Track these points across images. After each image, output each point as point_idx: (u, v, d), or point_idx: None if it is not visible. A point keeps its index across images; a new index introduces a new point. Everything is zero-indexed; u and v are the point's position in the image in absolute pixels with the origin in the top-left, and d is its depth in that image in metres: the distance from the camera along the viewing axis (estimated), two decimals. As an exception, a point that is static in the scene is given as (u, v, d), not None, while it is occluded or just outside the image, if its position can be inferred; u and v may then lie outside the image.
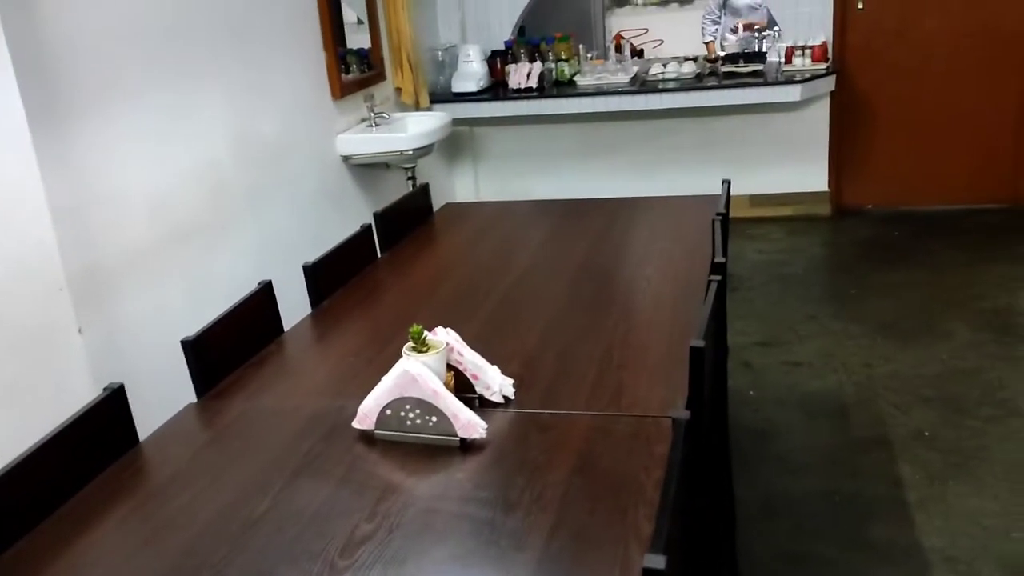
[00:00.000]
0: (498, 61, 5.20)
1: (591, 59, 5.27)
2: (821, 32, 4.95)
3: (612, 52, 5.28)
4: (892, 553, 2.47)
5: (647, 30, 8.28)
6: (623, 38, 8.18)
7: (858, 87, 5.12)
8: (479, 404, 1.64)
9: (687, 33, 7.72)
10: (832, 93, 5.00)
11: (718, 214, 2.40)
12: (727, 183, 2.68)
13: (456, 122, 5.02)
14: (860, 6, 5.02)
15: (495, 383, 1.67)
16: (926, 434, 2.98)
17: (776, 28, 5.14)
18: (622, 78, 4.97)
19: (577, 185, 5.51)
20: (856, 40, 5.06)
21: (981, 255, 4.47)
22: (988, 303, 3.91)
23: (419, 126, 4.27)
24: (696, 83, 4.86)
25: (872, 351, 3.60)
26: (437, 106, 4.91)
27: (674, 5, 8.23)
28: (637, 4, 8.11)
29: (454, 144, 5.50)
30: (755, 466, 2.96)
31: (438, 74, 5.15)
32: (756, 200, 5.33)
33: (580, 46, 5.27)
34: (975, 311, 3.84)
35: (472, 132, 5.51)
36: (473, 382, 1.67)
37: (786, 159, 5.25)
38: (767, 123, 5.16)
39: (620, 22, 8.26)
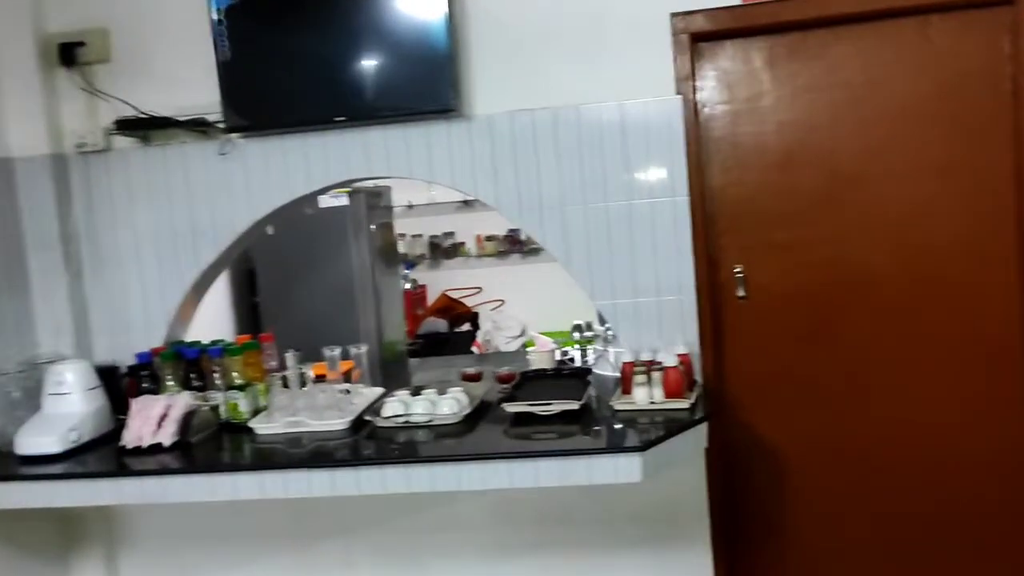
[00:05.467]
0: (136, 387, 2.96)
1: (305, 376, 3.06)
2: (680, 338, 2.87)
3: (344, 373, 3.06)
4: None
5: (481, 289, 6.36)
6: (449, 298, 6.26)
7: (754, 433, 3.01)
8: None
9: (531, 292, 5.79)
10: (707, 449, 2.86)
11: None
12: None
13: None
14: (741, 293, 3.00)
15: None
16: None
17: (607, 329, 3.06)
18: (334, 423, 2.74)
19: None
20: (742, 347, 3.00)
21: None
22: None
23: None
24: (463, 432, 2.66)
25: None
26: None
27: (515, 257, 6.37)
28: (469, 256, 6.20)
29: (72, 522, 3.13)
30: None
31: (7, 418, 2.85)
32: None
33: (289, 355, 3.06)
34: None
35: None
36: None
37: (646, 550, 3.01)
38: (603, 487, 2.95)
39: (448, 278, 6.30)
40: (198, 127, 2.97)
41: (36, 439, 2.71)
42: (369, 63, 2.86)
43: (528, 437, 2.61)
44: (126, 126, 2.95)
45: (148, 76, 3.03)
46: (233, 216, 3.05)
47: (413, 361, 4.28)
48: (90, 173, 3.07)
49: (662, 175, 2.89)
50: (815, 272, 2.98)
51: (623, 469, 2.40)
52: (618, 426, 2.61)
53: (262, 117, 2.93)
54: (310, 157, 2.99)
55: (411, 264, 6.06)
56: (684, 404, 2.66)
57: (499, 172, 2.93)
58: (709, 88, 2.97)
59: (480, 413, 2.80)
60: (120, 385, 3.01)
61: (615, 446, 2.46)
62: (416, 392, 2.88)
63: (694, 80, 2.92)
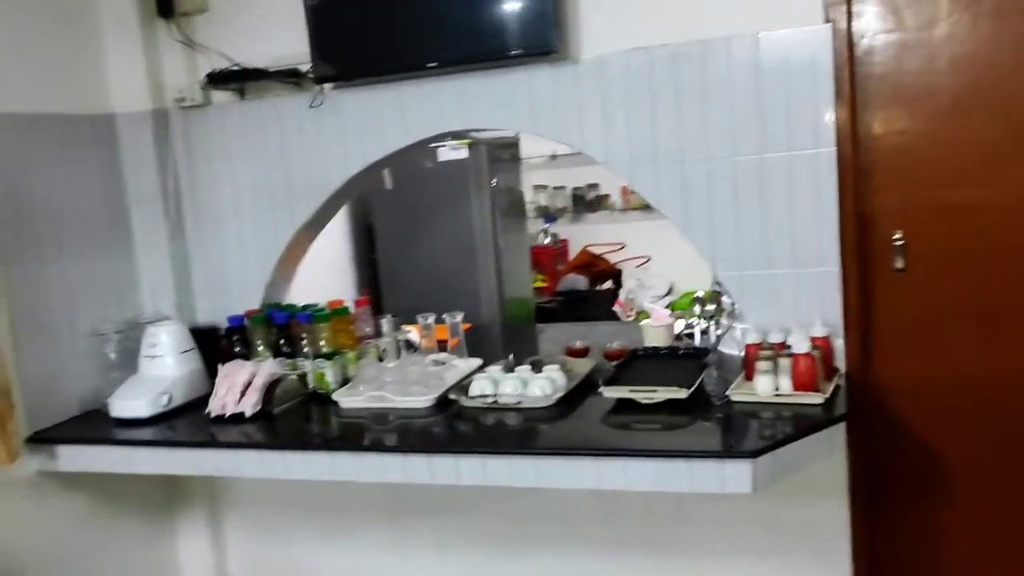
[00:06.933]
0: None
1: (413, 338, 2.87)
2: (818, 317, 2.43)
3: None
4: None
5: (625, 244, 5.94)
6: (590, 254, 5.88)
7: (910, 435, 2.52)
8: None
9: (680, 249, 5.30)
10: (849, 442, 2.42)
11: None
12: None
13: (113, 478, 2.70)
14: (899, 264, 2.49)
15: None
16: None
17: (731, 303, 2.66)
18: (417, 400, 2.52)
19: (389, 564, 3.03)
20: (897, 330, 2.51)
21: None
22: None
23: None
24: (554, 417, 2.36)
25: None
26: (73, 451, 2.59)
27: (664, 211, 5.83)
28: (614, 209, 5.79)
29: (176, 483, 3.12)
30: None
31: (105, 379, 2.82)
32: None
33: (384, 321, 2.88)
34: None
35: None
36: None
37: (771, 561, 2.63)
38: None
39: (591, 232, 5.94)
40: (290, 78, 2.79)
41: (127, 402, 2.67)
42: (463, 2, 2.55)
43: (627, 428, 2.28)
44: (217, 79, 2.81)
45: (244, 26, 2.87)
46: (327, 172, 2.86)
47: (548, 325, 3.98)
48: (190, 128, 2.96)
49: (804, 122, 2.42)
50: (992, 240, 2.42)
51: (730, 477, 2.03)
52: (733, 422, 2.23)
53: (351, 65, 2.69)
54: (404, 108, 2.74)
55: (552, 218, 5.75)
56: (816, 398, 2.24)
57: (609, 122, 2.56)
58: (869, 14, 2.45)
59: (581, 395, 2.49)
60: (219, 348, 2.92)
61: (722, 448, 2.09)
62: (511, 368, 2.61)
63: (849, 5, 2.41)
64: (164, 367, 2.74)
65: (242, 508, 3.16)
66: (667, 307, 3.62)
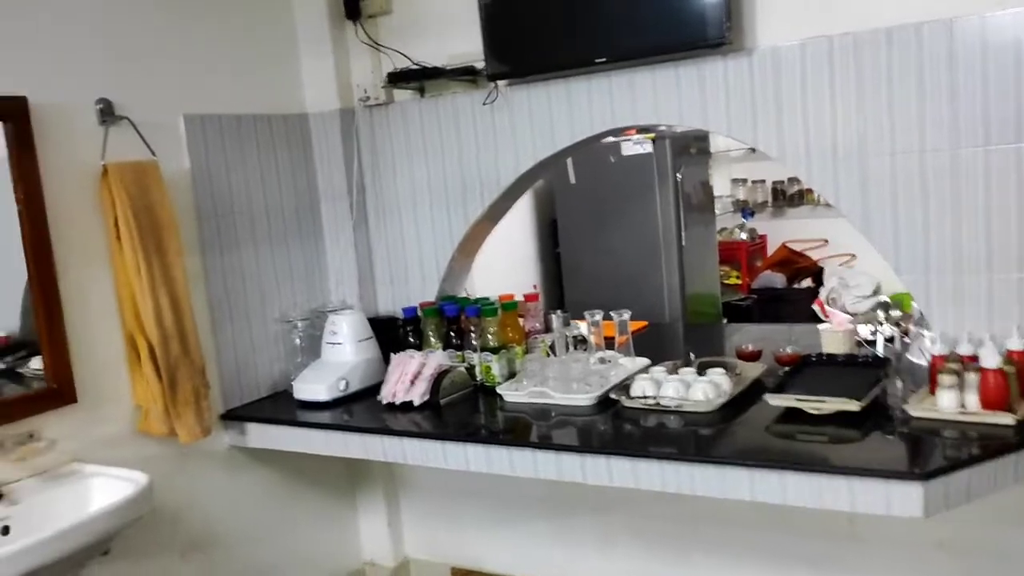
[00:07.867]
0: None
1: (573, 339, 2.86)
2: (1014, 328, 2.19)
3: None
4: None
5: (826, 241, 5.59)
6: (789, 250, 5.58)
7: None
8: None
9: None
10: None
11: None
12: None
13: (284, 457, 2.89)
14: (1120, 272, 2.20)
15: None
16: None
17: (918, 310, 2.45)
18: (578, 398, 2.51)
19: (553, 555, 3.06)
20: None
21: None
22: None
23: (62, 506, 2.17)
24: (715, 422, 2.28)
25: None
26: (260, 429, 2.80)
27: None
28: (817, 204, 5.47)
29: (357, 471, 3.30)
30: None
31: (291, 363, 3.03)
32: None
33: (554, 316, 2.88)
34: None
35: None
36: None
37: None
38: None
39: (792, 228, 5.64)
40: (466, 76, 2.85)
41: (308, 386, 2.85)
42: (632, -6, 2.51)
43: (791, 438, 2.17)
44: (397, 78, 2.93)
45: (424, 26, 2.97)
46: (499, 169, 2.91)
47: (740, 325, 3.84)
48: (373, 126, 3.11)
49: (1004, 115, 2.18)
50: None
51: (898, 500, 1.88)
52: (908, 439, 2.06)
53: (521, 62, 2.72)
54: (573, 104, 2.73)
55: (750, 212, 5.53)
56: (1006, 419, 2.02)
57: (784, 115, 2.43)
58: (1090, -10, 2.17)
59: (748, 400, 2.38)
60: (396, 337, 3.05)
61: (890, 468, 1.93)
62: (676, 369, 2.54)
63: (1063, -18, 2.15)
64: (343, 354, 2.90)
65: (418, 491, 3.30)
66: (872, 309, 3.39)
